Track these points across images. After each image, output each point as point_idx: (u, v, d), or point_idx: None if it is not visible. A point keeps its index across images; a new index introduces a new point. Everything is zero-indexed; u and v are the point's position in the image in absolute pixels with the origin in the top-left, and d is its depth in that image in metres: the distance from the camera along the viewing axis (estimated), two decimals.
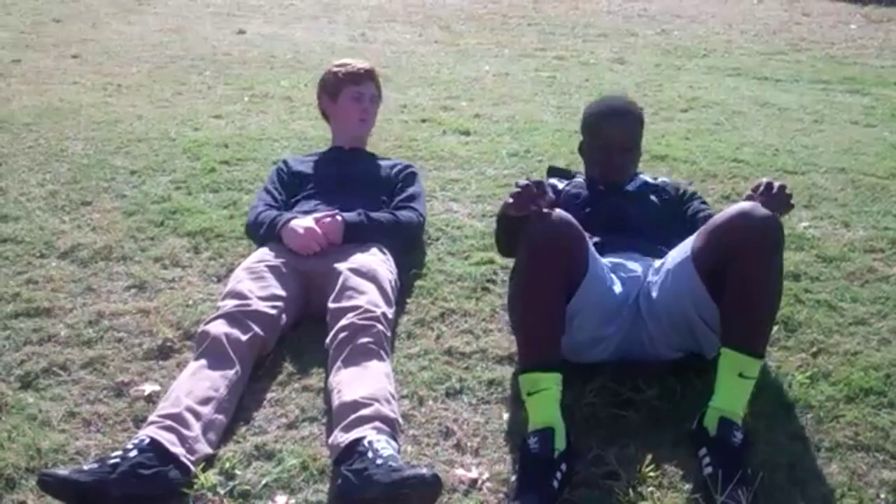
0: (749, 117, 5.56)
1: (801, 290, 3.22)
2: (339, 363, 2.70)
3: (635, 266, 2.78)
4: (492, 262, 3.48)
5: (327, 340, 2.79)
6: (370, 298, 2.90)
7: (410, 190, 3.55)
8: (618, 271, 2.76)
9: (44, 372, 2.81)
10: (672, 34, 8.17)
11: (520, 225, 2.54)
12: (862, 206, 4.03)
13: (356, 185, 3.48)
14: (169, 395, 2.56)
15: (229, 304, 2.88)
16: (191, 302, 3.19)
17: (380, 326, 2.81)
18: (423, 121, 5.29)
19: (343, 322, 2.79)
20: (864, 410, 2.58)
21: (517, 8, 9.21)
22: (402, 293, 3.22)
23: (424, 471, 2.21)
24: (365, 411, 2.46)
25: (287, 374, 2.82)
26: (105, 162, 4.53)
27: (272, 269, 3.08)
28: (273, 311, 2.91)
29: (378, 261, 3.13)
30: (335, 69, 3.72)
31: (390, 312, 2.95)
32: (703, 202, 3.16)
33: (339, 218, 3.22)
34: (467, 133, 5.04)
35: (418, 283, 3.34)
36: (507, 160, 4.55)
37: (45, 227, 3.78)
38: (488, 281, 3.36)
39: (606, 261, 2.75)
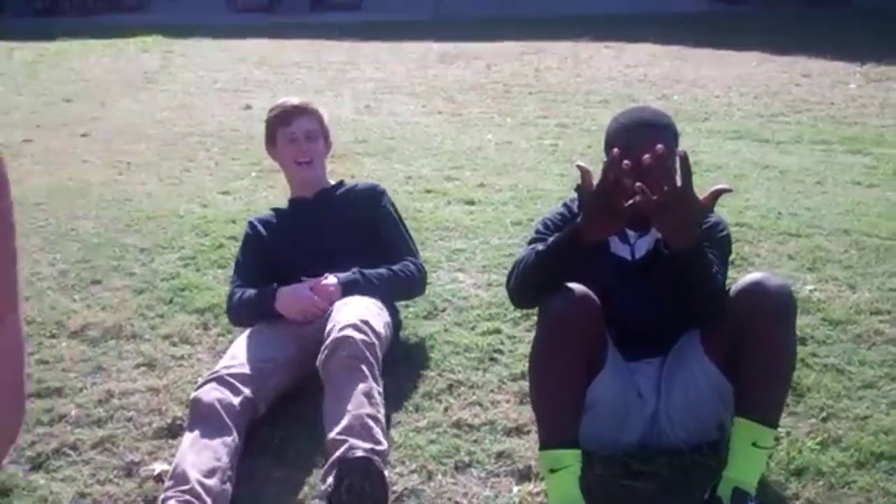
0: (751, 180, 5.61)
1: (809, 354, 3.22)
2: (325, 388, 2.78)
3: (653, 363, 2.74)
4: (498, 331, 3.50)
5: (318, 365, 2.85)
6: (350, 316, 2.90)
7: (393, 232, 3.43)
8: (635, 372, 2.70)
9: (54, 452, 2.82)
10: (672, 98, 8.27)
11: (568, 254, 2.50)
12: (867, 267, 4.05)
13: (334, 239, 3.33)
14: (175, 470, 2.57)
15: (220, 367, 2.91)
16: (199, 379, 3.20)
17: (357, 336, 2.80)
18: (428, 191, 5.35)
19: (325, 342, 2.84)
20: (876, 476, 2.57)
21: (519, 77, 9.35)
22: (408, 365, 3.23)
23: None
24: (338, 452, 2.55)
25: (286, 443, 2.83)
26: (115, 240, 4.58)
27: (265, 332, 3.11)
28: (263, 369, 2.92)
29: (370, 303, 3.10)
30: (268, 112, 3.50)
31: (377, 328, 2.92)
32: (719, 252, 2.73)
33: (334, 279, 3.17)
34: (472, 203, 5.09)
35: (424, 354, 3.35)
36: (511, 229, 4.59)
37: (56, 306, 3.82)
38: (496, 351, 3.37)
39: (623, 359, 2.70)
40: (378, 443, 2.60)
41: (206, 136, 7.12)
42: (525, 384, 2.94)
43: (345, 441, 2.57)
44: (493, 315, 3.63)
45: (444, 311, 3.71)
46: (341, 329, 2.82)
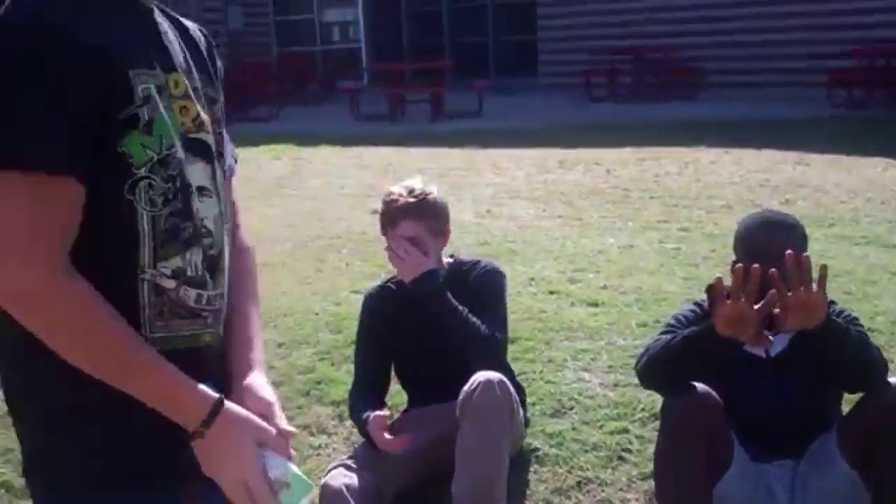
0: (880, 286, 5.53)
1: None
2: (461, 427, 2.84)
3: (785, 465, 2.74)
4: (626, 431, 3.54)
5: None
6: (493, 374, 2.94)
7: (492, 301, 3.25)
8: (766, 474, 2.71)
9: None
10: (797, 203, 8.21)
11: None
12: None
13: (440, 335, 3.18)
14: None
15: (349, 453, 3.03)
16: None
17: (497, 392, 2.87)
18: (551, 293, 5.45)
19: (468, 386, 2.90)
20: None
21: (638, 182, 9.44)
22: (537, 461, 3.29)
23: None
24: None
25: None
26: None
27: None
28: (391, 456, 2.99)
29: None
30: (382, 200, 3.37)
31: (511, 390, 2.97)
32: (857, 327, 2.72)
33: (408, 438, 3.04)
34: (595, 304, 5.17)
35: (553, 451, 3.41)
36: (636, 331, 4.64)
37: None
38: (624, 450, 3.41)
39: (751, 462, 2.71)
40: None
41: (336, 238, 7.41)
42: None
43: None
44: (620, 415, 3.67)
45: (571, 409, 3.77)
46: (487, 377, 2.90)
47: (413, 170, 10.99)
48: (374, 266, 6.40)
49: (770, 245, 2.58)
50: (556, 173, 10.17)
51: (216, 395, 1.49)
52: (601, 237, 7.03)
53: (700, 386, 2.56)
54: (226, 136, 1.72)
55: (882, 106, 14.18)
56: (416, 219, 3.18)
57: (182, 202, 1.52)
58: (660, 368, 2.68)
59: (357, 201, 9.22)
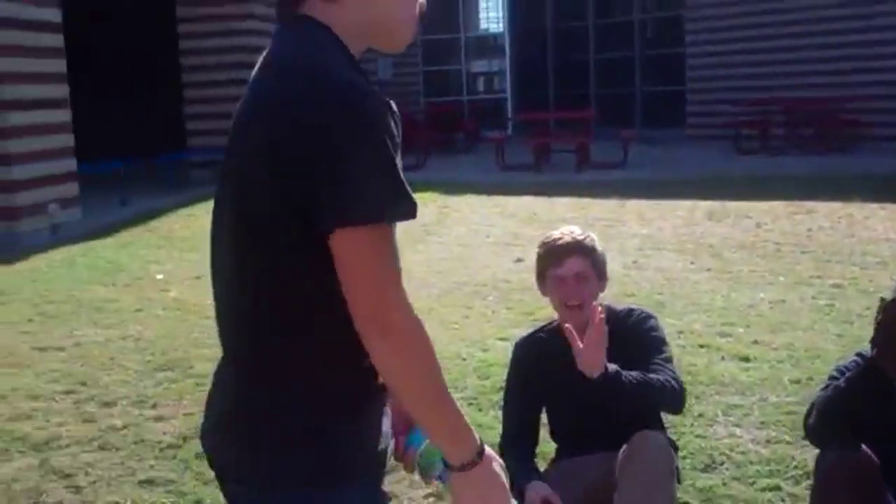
0: None
1: None
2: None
3: None
4: (779, 488, 3.50)
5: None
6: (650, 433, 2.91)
7: (659, 345, 3.12)
8: None
9: None
10: None
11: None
12: None
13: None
14: None
15: None
16: None
17: (662, 455, 2.82)
18: (701, 346, 5.41)
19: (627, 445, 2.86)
20: None
21: (790, 236, 9.24)
22: None
23: None
24: None
25: None
26: None
27: (550, 471, 3.25)
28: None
29: None
30: (538, 247, 3.23)
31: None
32: None
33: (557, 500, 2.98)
34: (746, 359, 5.10)
35: None
36: (789, 387, 4.56)
37: None
38: None
39: None
40: None
41: (482, 285, 7.54)
42: None
43: None
44: (772, 472, 3.62)
45: (721, 464, 3.74)
46: (651, 439, 2.88)
47: (558, 219, 11.05)
48: (519, 314, 6.48)
49: None
50: (705, 225, 10.06)
51: (478, 436, 1.66)
52: (751, 291, 6.92)
53: (858, 445, 2.52)
54: None
55: None
56: (584, 255, 3.08)
57: None
58: (824, 424, 2.64)
59: (502, 249, 9.34)
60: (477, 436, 1.65)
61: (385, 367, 1.59)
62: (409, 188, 1.57)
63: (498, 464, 1.68)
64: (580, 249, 3.07)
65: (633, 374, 2.90)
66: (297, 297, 1.61)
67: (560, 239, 3.11)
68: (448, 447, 1.64)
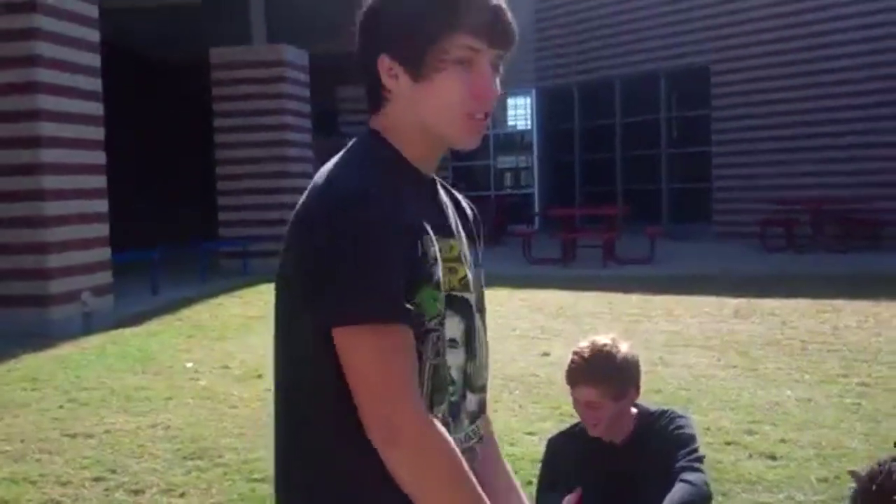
0: None
1: None
2: None
3: None
4: None
5: None
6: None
7: (690, 444, 3.11)
8: None
9: None
10: None
11: None
12: None
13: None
14: None
15: None
16: None
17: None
18: (728, 443, 5.40)
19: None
20: None
21: (816, 334, 9.24)
22: None
23: None
24: None
25: None
26: None
27: None
28: None
29: None
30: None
31: None
32: None
33: None
34: (773, 457, 5.09)
35: None
36: (817, 486, 4.55)
37: None
38: None
39: None
40: None
41: (509, 379, 7.56)
42: None
43: None
44: None
45: None
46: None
47: (585, 314, 11.11)
48: (546, 408, 6.50)
49: None
50: (731, 323, 10.08)
51: None
52: (778, 389, 6.91)
53: None
54: None
55: None
56: (593, 384, 3.04)
57: (443, 354, 1.68)
58: None
59: (529, 343, 9.38)
60: None
61: (397, 478, 1.52)
62: (394, 290, 1.53)
63: None
64: (591, 379, 3.04)
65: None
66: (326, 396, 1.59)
67: (574, 361, 3.09)
68: None
